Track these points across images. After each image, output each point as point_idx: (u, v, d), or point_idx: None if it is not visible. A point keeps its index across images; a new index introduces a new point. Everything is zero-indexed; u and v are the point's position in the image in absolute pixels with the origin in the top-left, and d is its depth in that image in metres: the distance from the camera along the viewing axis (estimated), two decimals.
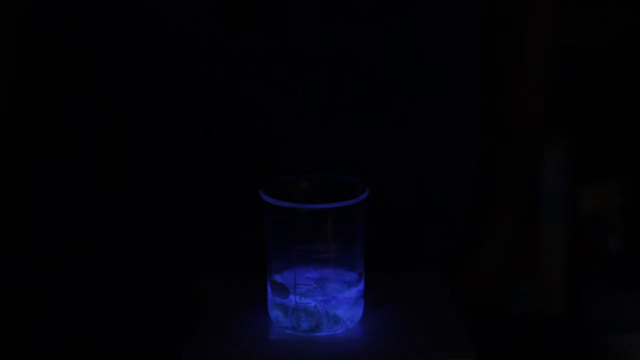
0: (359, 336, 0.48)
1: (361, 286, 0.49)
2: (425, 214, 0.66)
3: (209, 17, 0.54)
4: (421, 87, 0.62)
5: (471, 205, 0.72)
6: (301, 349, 0.47)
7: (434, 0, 0.61)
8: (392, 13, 0.59)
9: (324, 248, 0.47)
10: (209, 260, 0.60)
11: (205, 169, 0.54)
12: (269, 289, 0.49)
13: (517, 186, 0.75)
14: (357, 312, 0.49)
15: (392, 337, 0.47)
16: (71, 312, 0.60)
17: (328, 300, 0.48)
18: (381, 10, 0.59)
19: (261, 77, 0.56)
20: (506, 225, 0.75)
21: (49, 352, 0.60)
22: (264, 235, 0.49)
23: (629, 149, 1.13)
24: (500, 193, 0.74)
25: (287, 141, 0.57)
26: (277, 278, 0.48)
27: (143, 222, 0.59)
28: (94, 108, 0.57)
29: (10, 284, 0.60)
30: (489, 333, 0.70)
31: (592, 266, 1.12)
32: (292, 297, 0.48)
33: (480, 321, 0.74)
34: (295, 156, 0.58)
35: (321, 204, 0.47)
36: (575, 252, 1.12)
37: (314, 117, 0.58)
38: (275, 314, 0.49)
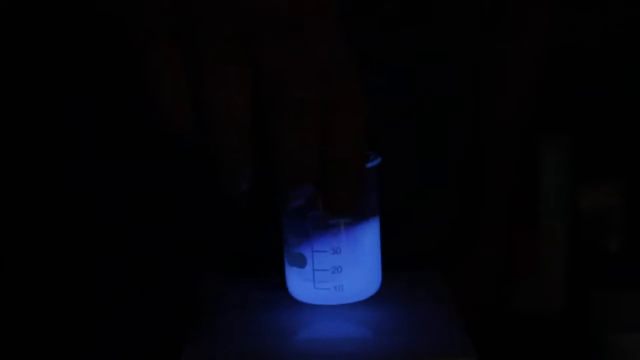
0: (359, 336, 0.48)
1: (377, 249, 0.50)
2: (423, 213, 0.66)
3: None
4: (419, 89, 0.62)
5: (465, 205, 0.72)
6: (302, 348, 0.47)
7: (439, 9, 0.61)
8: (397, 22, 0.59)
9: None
10: (210, 259, 0.60)
11: (206, 164, 0.54)
12: (286, 260, 0.50)
13: (507, 185, 0.75)
14: (376, 277, 0.50)
15: (392, 337, 0.47)
16: (71, 312, 0.60)
17: (346, 265, 0.49)
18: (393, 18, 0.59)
19: None
20: (500, 225, 0.76)
21: (49, 351, 0.60)
22: (279, 207, 0.49)
23: (629, 149, 1.13)
24: (490, 192, 0.74)
25: None
26: (294, 248, 0.49)
27: (143, 222, 0.59)
28: (93, 106, 0.57)
29: (10, 283, 0.61)
30: (489, 333, 0.70)
31: (592, 266, 1.12)
32: (309, 265, 0.49)
33: (480, 321, 0.74)
34: None
35: None
36: (575, 252, 1.12)
37: None
38: (293, 285, 0.50)
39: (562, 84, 1.10)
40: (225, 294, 0.53)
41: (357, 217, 0.49)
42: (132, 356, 0.60)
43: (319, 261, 0.49)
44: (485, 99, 0.72)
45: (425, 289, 0.53)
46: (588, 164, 1.13)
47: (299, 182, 0.41)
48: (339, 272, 0.49)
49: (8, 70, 0.57)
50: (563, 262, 1.12)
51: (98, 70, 0.55)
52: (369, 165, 0.48)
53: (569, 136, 1.11)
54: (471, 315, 0.74)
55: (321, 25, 0.41)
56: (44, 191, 0.59)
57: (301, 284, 0.50)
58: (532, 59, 0.72)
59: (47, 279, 0.60)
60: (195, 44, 0.39)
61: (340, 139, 0.41)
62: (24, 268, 0.60)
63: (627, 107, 1.13)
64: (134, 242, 0.59)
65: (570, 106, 1.13)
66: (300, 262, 0.49)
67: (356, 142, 0.41)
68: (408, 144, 0.63)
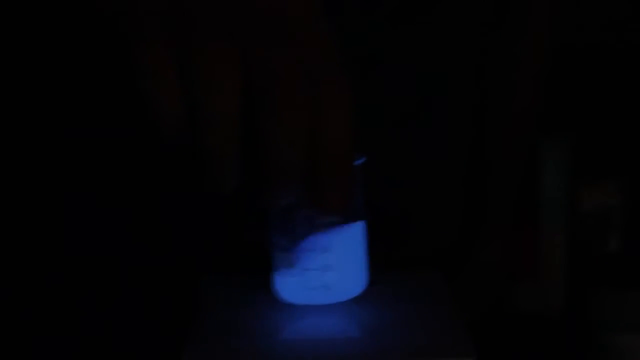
0: (359, 336, 0.48)
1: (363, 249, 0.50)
2: (424, 213, 0.66)
3: None
4: (420, 89, 0.62)
5: (469, 205, 0.72)
6: (302, 348, 0.47)
7: (436, 9, 0.61)
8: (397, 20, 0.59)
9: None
10: (210, 260, 0.60)
11: (194, 163, 0.54)
12: (273, 260, 0.50)
13: (512, 186, 0.75)
14: (364, 275, 0.50)
15: (392, 337, 0.47)
16: (71, 312, 0.60)
17: (334, 264, 0.49)
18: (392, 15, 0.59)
19: None
20: (505, 225, 0.75)
21: (49, 351, 0.60)
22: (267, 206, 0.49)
23: (629, 148, 1.13)
24: (494, 193, 0.74)
25: None
26: (281, 247, 0.49)
27: (143, 221, 0.59)
28: (93, 105, 0.57)
29: (10, 284, 0.61)
30: (489, 333, 0.70)
31: (592, 266, 1.13)
32: (297, 264, 0.49)
33: (480, 321, 0.74)
34: None
35: None
36: (575, 252, 1.12)
37: None
38: (281, 286, 0.50)
39: (563, 84, 1.10)
40: (225, 294, 0.53)
41: (345, 215, 0.49)
42: (132, 356, 0.60)
43: (307, 260, 0.49)
44: (489, 99, 0.71)
45: (425, 289, 0.53)
46: (588, 164, 1.13)
47: (286, 180, 0.41)
48: (328, 271, 0.49)
49: (7, 70, 0.57)
50: (563, 262, 1.12)
51: (96, 71, 0.56)
52: (354, 163, 0.47)
53: (569, 136, 1.11)
54: (471, 315, 0.74)
55: (307, 25, 0.42)
56: (43, 191, 0.59)
57: (289, 284, 0.50)
58: (535, 59, 0.72)
59: (46, 278, 0.60)
60: (188, 45, 0.40)
61: (326, 136, 0.41)
62: (24, 267, 0.60)
63: (628, 107, 1.13)
64: (134, 242, 0.59)
65: (571, 106, 1.13)
66: (288, 262, 0.49)
67: (342, 139, 0.42)
68: (411, 144, 0.63)
